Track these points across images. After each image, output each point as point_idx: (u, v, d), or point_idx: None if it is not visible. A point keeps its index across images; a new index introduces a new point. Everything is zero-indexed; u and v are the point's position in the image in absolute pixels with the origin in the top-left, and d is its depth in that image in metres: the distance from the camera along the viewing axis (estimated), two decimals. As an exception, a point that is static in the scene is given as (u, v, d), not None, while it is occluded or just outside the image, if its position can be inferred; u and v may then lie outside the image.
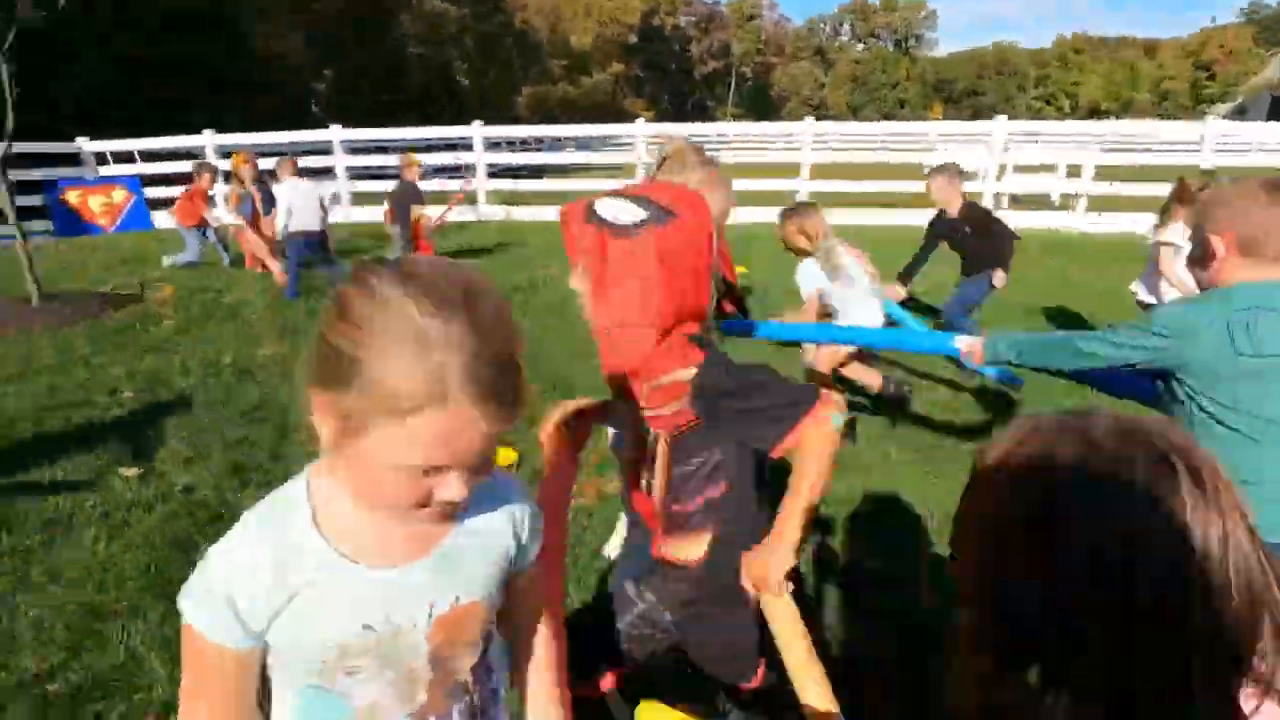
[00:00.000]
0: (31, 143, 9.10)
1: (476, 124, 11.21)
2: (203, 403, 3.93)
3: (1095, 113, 55.37)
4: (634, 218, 1.18)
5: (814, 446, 1.18)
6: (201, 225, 7.75)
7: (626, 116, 20.77)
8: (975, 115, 59.98)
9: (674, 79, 67.59)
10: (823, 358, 3.51)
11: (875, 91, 71.18)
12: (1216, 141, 9.92)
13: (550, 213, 9.72)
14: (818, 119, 12.43)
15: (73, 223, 10.39)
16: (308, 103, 25.99)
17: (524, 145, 18.26)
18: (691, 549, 1.34)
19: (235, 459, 3.22)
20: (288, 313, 5.85)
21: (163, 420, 3.68)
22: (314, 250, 6.27)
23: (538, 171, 15.67)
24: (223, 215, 8.05)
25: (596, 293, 1.21)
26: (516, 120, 32.61)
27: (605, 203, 1.21)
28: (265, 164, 7.59)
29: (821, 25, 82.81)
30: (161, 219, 10.58)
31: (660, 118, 53.02)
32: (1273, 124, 14.58)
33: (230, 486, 2.98)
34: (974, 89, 68.15)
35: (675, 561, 1.37)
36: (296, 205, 6.11)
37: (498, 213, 11.11)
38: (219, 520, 2.70)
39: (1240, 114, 49.09)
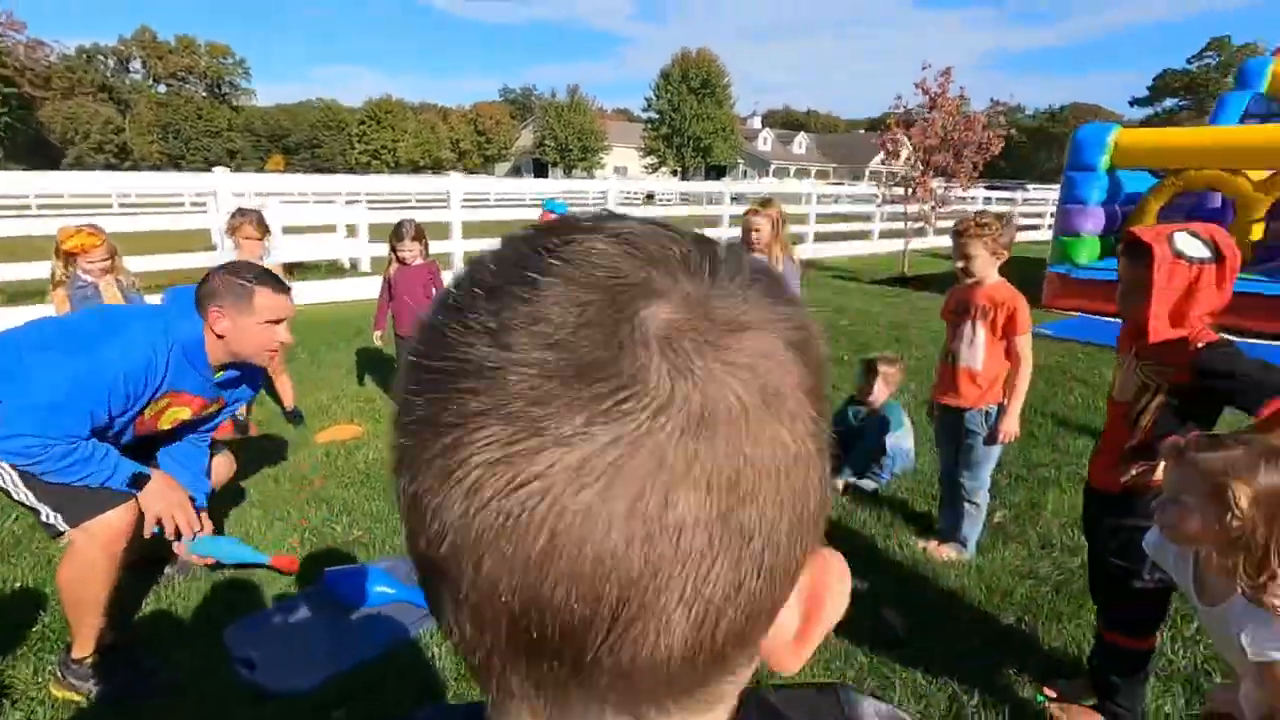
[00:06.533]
0: None
1: None
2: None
3: (415, 167, 63.54)
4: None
5: None
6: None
7: None
8: (316, 169, 60.73)
9: None
10: None
11: (194, 140, 63.94)
12: (463, 196, 10.18)
13: None
14: (122, 168, 9.84)
15: None
16: None
17: None
18: None
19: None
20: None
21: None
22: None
23: None
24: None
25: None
26: None
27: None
28: None
29: (102, 58, 68.88)
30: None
31: None
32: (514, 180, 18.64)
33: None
34: (312, 141, 68.59)
35: None
36: None
37: None
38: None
39: (516, 171, 64.41)
